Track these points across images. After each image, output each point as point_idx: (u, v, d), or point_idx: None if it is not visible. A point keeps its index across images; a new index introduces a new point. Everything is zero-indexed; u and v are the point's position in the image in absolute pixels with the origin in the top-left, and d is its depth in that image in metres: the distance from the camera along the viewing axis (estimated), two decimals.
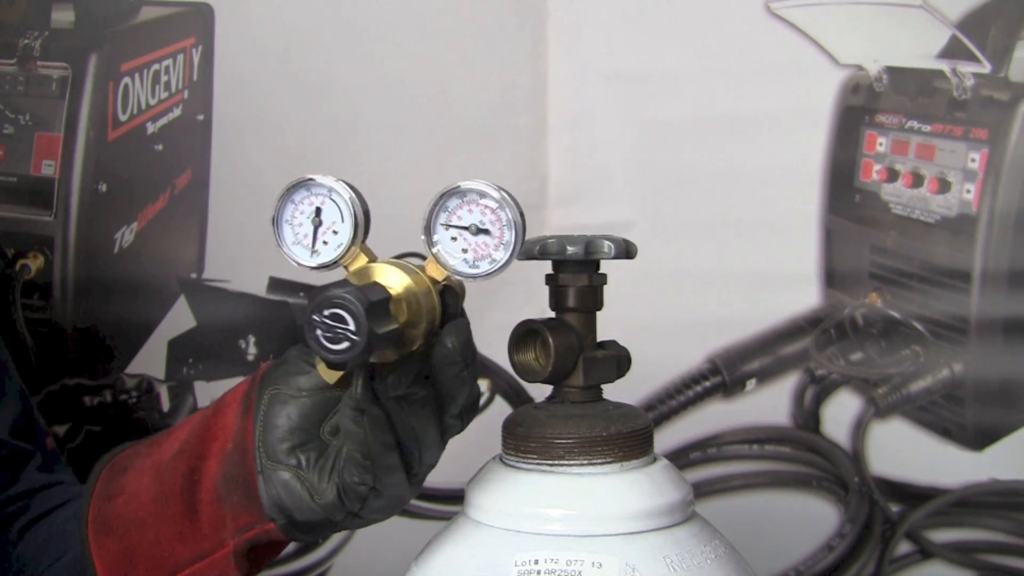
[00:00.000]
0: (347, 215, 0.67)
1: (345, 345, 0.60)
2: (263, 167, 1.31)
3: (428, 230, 0.67)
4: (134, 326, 1.33)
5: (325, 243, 0.68)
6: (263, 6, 1.32)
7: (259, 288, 1.33)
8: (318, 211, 0.68)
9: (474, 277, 0.66)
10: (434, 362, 0.67)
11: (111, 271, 1.31)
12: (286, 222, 0.69)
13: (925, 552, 1.32)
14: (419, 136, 1.33)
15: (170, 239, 1.34)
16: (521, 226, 0.65)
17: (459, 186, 0.66)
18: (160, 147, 1.33)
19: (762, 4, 1.29)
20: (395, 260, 0.68)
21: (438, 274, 0.67)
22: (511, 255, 0.65)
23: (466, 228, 0.66)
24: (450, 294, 0.67)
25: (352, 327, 0.60)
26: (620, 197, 1.35)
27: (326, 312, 0.60)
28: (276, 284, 1.32)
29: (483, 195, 0.66)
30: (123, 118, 1.30)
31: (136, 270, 1.33)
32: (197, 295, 1.33)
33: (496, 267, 0.66)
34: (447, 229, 0.66)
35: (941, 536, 1.31)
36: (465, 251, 0.66)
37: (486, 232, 0.66)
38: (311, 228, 0.68)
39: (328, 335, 0.60)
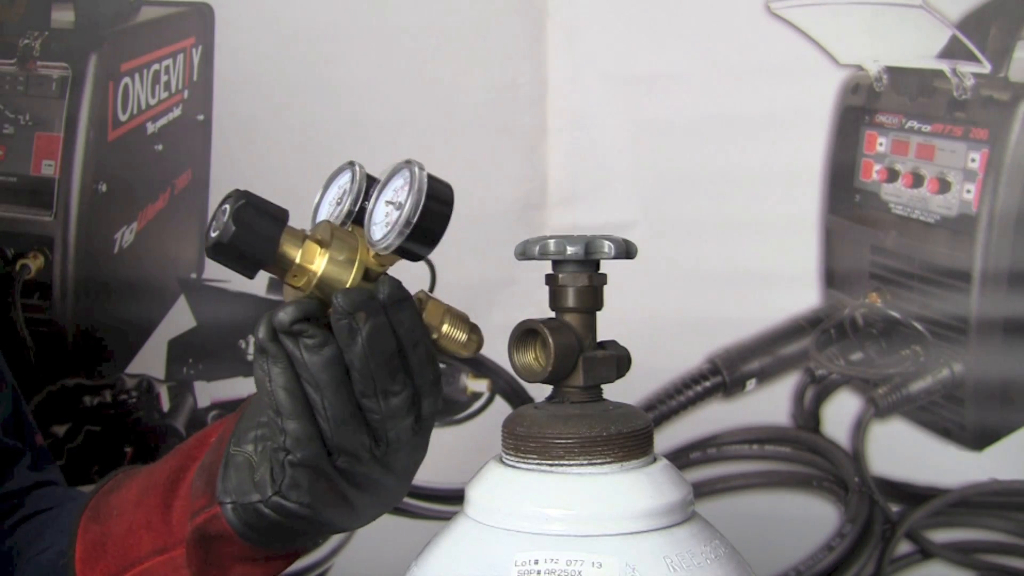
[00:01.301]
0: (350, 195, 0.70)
1: (216, 232, 0.64)
2: (263, 167, 1.30)
3: (370, 198, 0.68)
4: (134, 326, 1.33)
5: None
6: (263, 6, 1.32)
7: (259, 288, 1.33)
8: (344, 193, 0.71)
9: (373, 246, 0.67)
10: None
11: (111, 271, 1.31)
12: (327, 203, 0.72)
13: (925, 552, 1.32)
14: (419, 136, 1.33)
15: (170, 239, 1.34)
16: (417, 209, 0.65)
17: (405, 165, 0.67)
18: (160, 147, 1.33)
19: (762, 4, 1.29)
20: (358, 228, 0.69)
21: (370, 251, 0.68)
22: (400, 231, 0.65)
23: (394, 203, 0.67)
24: (387, 284, 0.67)
25: (225, 218, 0.64)
26: (620, 197, 1.35)
27: (224, 205, 0.65)
28: (276, 284, 1.32)
29: (413, 175, 0.66)
30: (123, 118, 1.30)
31: (136, 270, 1.33)
32: (197, 295, 1.33)
33: (382, 239, 0.66)
34: (386, 205, 0.68)
35: (941, 536, 1.31)
36: (387, 225, 0.67)
37: (400, 208, 0.66)
38: (335, 208, 0.71)
39: (216, 225, 0.65)
